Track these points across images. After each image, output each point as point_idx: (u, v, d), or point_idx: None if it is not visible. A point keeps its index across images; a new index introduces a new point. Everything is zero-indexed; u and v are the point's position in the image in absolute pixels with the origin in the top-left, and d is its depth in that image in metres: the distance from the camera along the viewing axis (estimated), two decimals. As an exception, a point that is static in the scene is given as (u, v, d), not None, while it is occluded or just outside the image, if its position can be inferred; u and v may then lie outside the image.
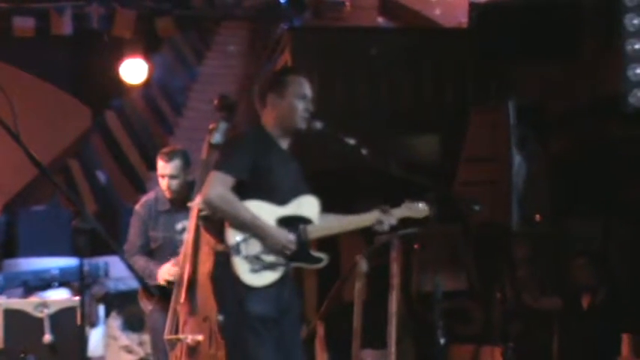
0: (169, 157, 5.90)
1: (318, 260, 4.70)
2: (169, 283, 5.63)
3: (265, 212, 4.57)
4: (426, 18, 10.06)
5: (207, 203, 4.62)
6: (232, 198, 4.53)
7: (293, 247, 4.58)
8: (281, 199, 4.62)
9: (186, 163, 5.94)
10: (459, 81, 8.40)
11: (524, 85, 7.47)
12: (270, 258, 4.56)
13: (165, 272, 5.66)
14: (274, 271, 4.57)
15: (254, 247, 4.54)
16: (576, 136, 7.01)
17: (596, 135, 6.88)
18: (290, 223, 4.62)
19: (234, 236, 4.54)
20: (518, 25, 7.50)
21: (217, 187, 4.54)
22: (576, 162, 7.15)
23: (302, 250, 4.63)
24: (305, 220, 4.66)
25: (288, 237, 4.58)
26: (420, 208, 4.76)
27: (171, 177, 5.89)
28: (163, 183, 5.92)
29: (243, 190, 4.56)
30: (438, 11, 10.04)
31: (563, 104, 6.92)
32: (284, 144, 4.73)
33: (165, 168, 5.90)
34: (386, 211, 4.72)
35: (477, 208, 5.28)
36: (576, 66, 6.87)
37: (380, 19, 10.44)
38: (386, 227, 4.73)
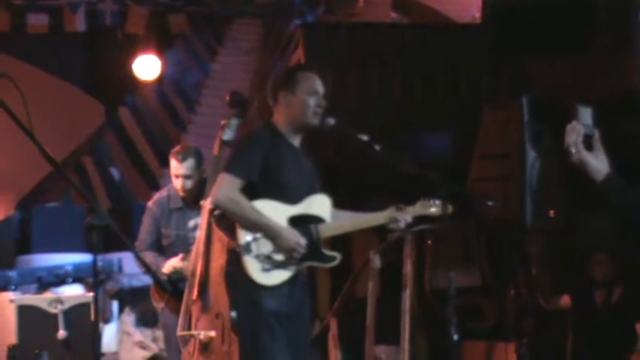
0: (182, 156, 5.89)
1: (331, 259, 4.68)
2: (174, 274, 5.65)
3: (276, 211, 4.56)
4: (439, 13, 10.05)
5: (216, 205, 4.64)
6: (240, 199, 4.52)
7: (302, 249, 4.56)
8: (292, 198, 4.60)
9: (199, 162, 5.93)
10: (472, 77, 8.39)
11: (538, 81, 7.44)
12: (281, 257, 4.55)
13: (169, 265, 5.69)
14: (286, 269, 4.56)
15: (265, 246, 4.54)
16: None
17: (610, 130, 6.85)
18: (301, 222, 4.60)
19: (244, 236, 4.53)
20: (531, 20, 7.47)
21: (225, 189, 4.53)
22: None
23: (314, 249, 4.61)
24: (317, 219, 4.64)
25: (298, 239, 4.55)
26: (435, 206, 4.74)
27: (186, 177, 5.89)
28: (177, 182, 5.92)
29: (254, 190, 4.54)
30: (451, 7, 10.03)
31: (577, 100, 6.88)
32: (296, 141, 4.71)
33: (178, 168, 5.90)
34: (401, 208, 4.71)
35: (490, 204, 5.26)
36: (590, 61, 6.84)
37: (393, 15, 10.43)
38: (401, 225, 4.72)
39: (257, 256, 4.52)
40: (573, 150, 3.43)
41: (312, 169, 4.75)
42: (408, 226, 4.80)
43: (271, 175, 4.56)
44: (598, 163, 3.47)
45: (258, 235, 4.54)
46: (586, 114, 3.50)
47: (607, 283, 7.17)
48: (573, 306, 7.15)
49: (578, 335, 7.01)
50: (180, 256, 5.68)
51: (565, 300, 7.21)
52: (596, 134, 3.49)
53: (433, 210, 4.74)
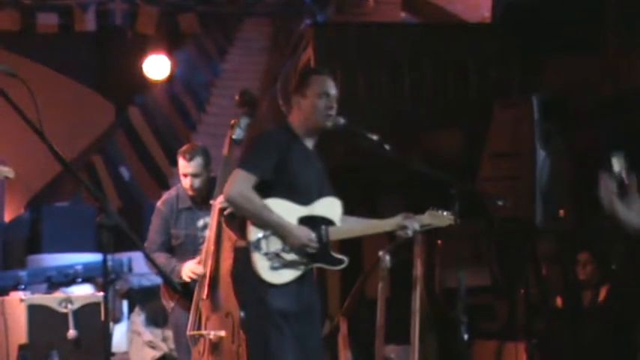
0: (190, 155, 5.89)
1: (339, 262, 4.70)
2: (192, 280, 5.63)
3: (288, 211, 4.58)
4: (448, 13, 10.05)
5: (229, 201, 4.65)
6: (253, 196, 4.54)
7: (314, 245, 4.58)
8: (304, 199, 4.62)
9: (208, 161, 5.92)
10: (482, 76, 8.38)
11: (548, 80, 7.43)
12: (290, 256, 4.56)
13: (189, 270, 5.66)
14: (294, 269, 4.58)
15: (275, 244, 4.55)
16: (601, 130, 6.96)
17: (621, 129, 6.84)
18: (312, 223, 4.62)
19: (255, 233, 4.55)
20: (541, 19, 7.46)
21: (239, 185, 4.55)
22: (601, 156, 7.10)
23: (323, 251, 4.62)
24: (327, 221, 4.66)
25: (309, 235, 4.58)
26: (444, 217, 4.75)
27: (194, 175, 5.88)
28: (186, 182, 5.92)
29: (267, 189, 4.56)
30: (460, 6, 10.02)
31: (588, 98, 6.88)
32: (310, 143, 4.73)
33: (186, 167, 5.89)
34: (410, 216, 4.71)
35: (500, 203, 5.26)
36: (601, 60, 6.83)
37: (403, 15, 10.43)
38: (409, 234, 4.72)
39: (266, 254, 4.54)
40: (606, 203, 3.53)
41: (322, 172, 4.77)
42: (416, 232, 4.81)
43: (285, 175, 4.58)
44: (629, 215, 3.58)
45: (269, 233, 4.55)
46: (618, 161, 3.57)
47: (592, 283, 7.15)
48: (564, 307, 7.13)
49: (577, 335, 6.98)
50: (197, 259, 5.66)
51: (558, 301, 7.20)
52: (633, 181, 3.58)
53: (442, 221, 4.75)
